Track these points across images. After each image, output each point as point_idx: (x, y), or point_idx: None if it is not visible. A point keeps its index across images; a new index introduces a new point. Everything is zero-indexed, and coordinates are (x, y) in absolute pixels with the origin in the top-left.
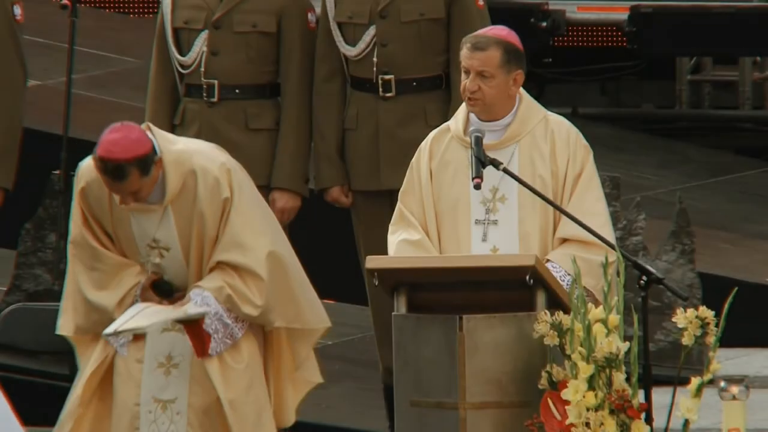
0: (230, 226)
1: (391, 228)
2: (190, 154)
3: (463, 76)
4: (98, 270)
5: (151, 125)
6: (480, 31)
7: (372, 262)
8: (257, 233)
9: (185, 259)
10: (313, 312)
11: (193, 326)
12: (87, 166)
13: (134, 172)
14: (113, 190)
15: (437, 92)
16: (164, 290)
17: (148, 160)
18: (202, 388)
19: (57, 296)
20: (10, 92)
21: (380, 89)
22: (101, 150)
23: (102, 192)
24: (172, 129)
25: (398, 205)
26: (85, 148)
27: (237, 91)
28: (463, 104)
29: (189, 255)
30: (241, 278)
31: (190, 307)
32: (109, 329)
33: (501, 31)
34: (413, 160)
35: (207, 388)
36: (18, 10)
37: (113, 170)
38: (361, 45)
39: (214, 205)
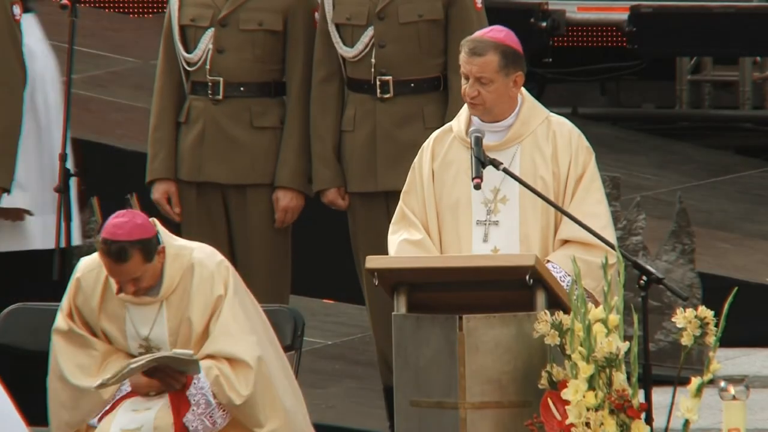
0: (221, 323)
1: (392, 227)
2: (191, 249)
3: (462, 80)
4: (87, 356)
5: (156, 221)
6: (478, 34)
7: (372, 262)
8: (247, 332)
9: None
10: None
11: (176, 392)
12: (88, 259)
13: (137, 255)
14: (114, 275)
15: (435, 94)
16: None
17: (151, 246)
18: (168, 411)
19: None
20: (9, 92)
21: (378, 90)
22: (105, 232)
23: (95, 289)
24: (178, 126)
25: (400, 204)
26: (85, 148)
27: (242, 89)
28: (466, 104)
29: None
30: (231, 366)
31: (177, 350)
32: (99, 380)
33: (499, 33)
34: (415, 159)
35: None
36: (17, 10)
37: (116, 252)
38: (359, 46)
39: (204, 297)
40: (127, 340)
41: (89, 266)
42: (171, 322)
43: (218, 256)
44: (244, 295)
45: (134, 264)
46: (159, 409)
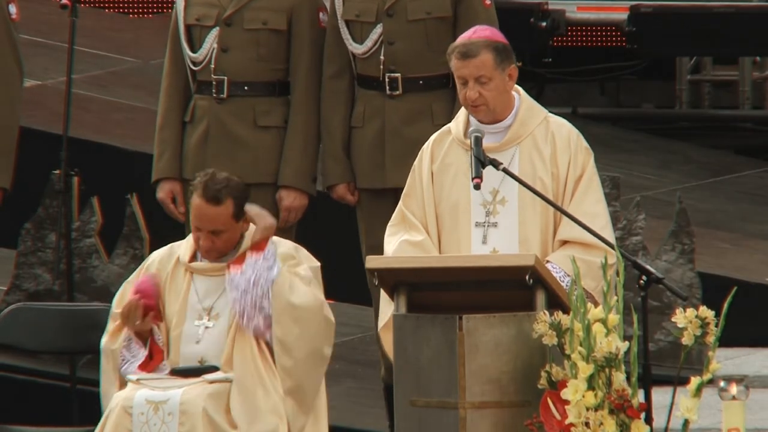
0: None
1: (390, 229)
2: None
3: (459, 86)
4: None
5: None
6: (464, 36)
7: (372, 262)
8: (310, 298)
9: (228, 329)
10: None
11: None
12: (159, 251)
13: (229, 203)
14: (200, 221)
15: (443, 91)
16: None
17: (243, 201)
18: (195, 386)
19: (57, 296)
20: (6, 91)
21: (387, 87)
22: (205, 177)
23: (166, 267)
24: (183, 126)
25: (400, 206)
26: (85, 148)
27: (246, 88)
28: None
29: (233, 326)
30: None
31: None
32: (134, 376)
33: (484, 31)
34: (415, 162)
35: (199, 385)
36: (13, 9)
37: (213, 193)
38: (369, 43)
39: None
40: (188, 309)
41: (161, 252)
42: None
43: (296, 245)
44: (321, 288)
45: (224, 211)
46: (187, 388)
